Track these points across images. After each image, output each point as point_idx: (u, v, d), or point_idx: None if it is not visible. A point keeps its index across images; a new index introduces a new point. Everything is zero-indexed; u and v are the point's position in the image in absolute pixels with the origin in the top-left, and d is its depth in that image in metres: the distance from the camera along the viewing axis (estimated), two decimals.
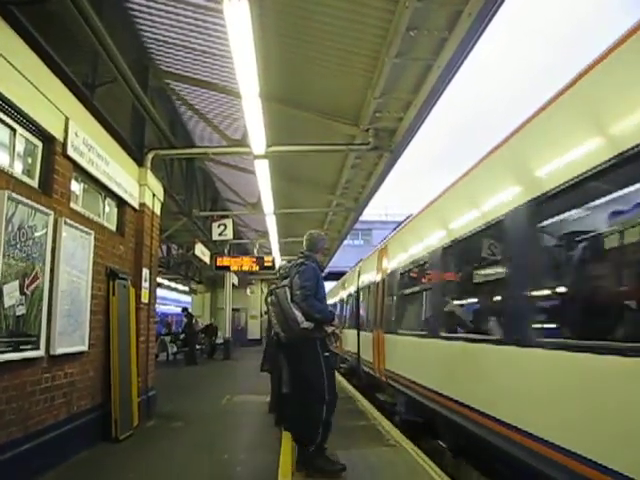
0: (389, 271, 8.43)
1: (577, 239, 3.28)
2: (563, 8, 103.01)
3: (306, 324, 4.53)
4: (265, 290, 29.26)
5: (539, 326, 3.56)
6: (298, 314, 4.52)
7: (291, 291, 4.66)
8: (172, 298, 34.84)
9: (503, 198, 4.05)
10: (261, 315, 25.66)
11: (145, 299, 7.58)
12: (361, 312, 11.72)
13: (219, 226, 13.82)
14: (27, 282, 4.34)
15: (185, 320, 19.58)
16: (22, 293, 4.26)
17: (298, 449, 4.78)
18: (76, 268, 5.35)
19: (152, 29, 6.94)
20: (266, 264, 17.36)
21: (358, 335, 11.38)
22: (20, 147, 4.55)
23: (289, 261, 5.27)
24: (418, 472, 4.72)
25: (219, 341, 20.92)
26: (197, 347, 19.12)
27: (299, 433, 4.73)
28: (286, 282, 4.77)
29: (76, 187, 5.63)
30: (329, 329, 4.73)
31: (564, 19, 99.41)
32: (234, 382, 12.29)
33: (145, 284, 7.60)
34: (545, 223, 3.51)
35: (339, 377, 11.35)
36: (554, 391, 3.26)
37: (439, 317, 5.70)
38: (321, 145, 8.83)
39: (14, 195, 4.12)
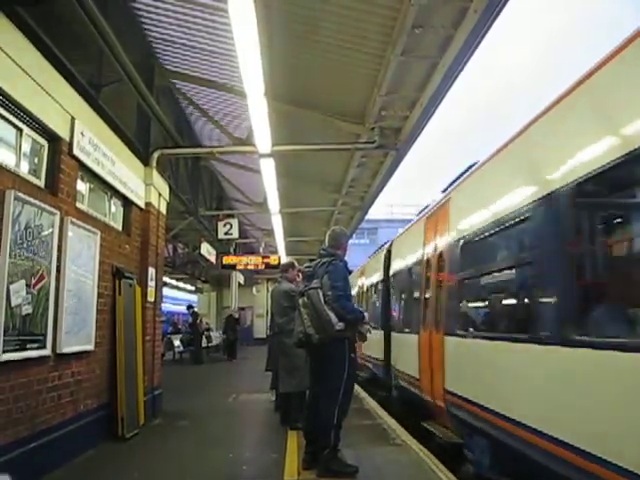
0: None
1: None
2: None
3: (339, 325, 4.49)
4: (271, 289, 29.28)
5: None
6: (332, 316, 4.46)
7: (322, 291, 4.58)
8: (173, 297, 34.86)
9: None
10: (266, 314, 25.65)
11: (151, 298, 7.60)
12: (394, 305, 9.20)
13: (225, 225, 13.85)
14: (33, 281, 4.36)
15: (191, 318, 19.45)
16: (28, 292, 4.28)
17: (306, 449, 4.77)
18: (82, 267, 5.36)
19: (158, 29, 6.96)
20: (272, 263, 17.38)
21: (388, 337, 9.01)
22: (26, 147, 4.57)
23: (311, 259, 5.21)
24: (424, 471, 4.70)
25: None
26: (205, 345, 19.04)
27: (315, 434, 4.69)
28: (316, 283, 4.66)
29: (82, 186, 5.65)
30: (364, 328, 4.71)
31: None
32: (240, 381, 12.31)
33: (151, 283, 7.61)
34: None
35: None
36: None
37: None
38: (326, 144, 8.81)
39: (20, 195, 4.13)
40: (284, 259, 18.83)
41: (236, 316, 19.94)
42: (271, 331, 7.39)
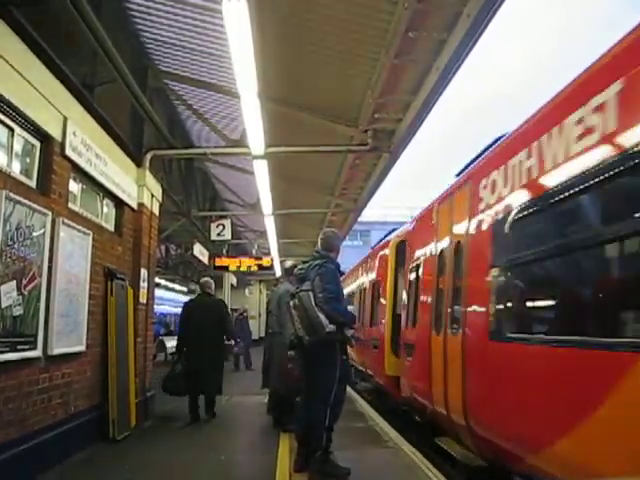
0: None
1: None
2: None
3: (330, 327, 4.50)
4: (264, 291, 29.25)
5: None
6: (323, 318, 4.46)
7: (313, 294, 4.60)
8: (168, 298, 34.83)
9: None
10: (260, 315, 25.58)
11: (143, 299, 7.57)
12: None
13: (218, 226, 13.81)
14: (25, 282, 4.33)
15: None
16: (20, 293, 4.25)
17: (298, 451, 4.77)
18: (74, 268, 5.33)
19: (151, 29, 6.93)
20: (264, 264, 17.34)
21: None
22: (18, 147, 4.54)
23: (304, 262, 5.23)
24: (416, 474, 4.71)
25: None
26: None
27: (307, 437, 4.69)
28: (307, 285, 4.68)
29: (74, 187, 5.62)
30: (349, 332, 4.71)
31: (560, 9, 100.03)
32: (232, 382, 12.25)
33: (143, 284, 7.58)
34: None
35: None
36: None
37: None
38: (320, 146, 8.81)
39: (12, 195, 4.11)
40: (277, 261, 18.83)
41: (244, 314, 17.51)
42: (267, 333, 7.43)
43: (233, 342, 8.53)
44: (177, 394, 7.31)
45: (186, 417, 7.32)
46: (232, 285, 21.21)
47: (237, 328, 16.57)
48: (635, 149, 2.67)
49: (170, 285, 29.08)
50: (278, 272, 18.62)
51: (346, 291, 13.95)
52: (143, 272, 7.57)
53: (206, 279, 8.06)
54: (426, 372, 5.64)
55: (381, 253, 9.86)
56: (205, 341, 7.25)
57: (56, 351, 4.90)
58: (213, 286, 7.90)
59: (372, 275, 10.65)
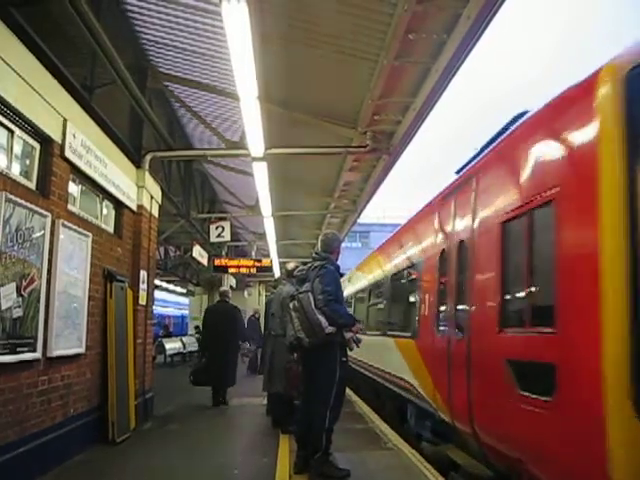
0: None
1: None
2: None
3: (330, 329, 4.50)
4: (263, 292, 29.21)
5: None
6: (322, 319, 4.48)
7: (313, 295, 4.61)
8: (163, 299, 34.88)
9: None
10: (259, 317, 25.49)
11: (142, 301, 7.56)
12: None
13: (217, 228, 13.80)
14: (24, 284, 4.33)
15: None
16: (19, 295, 4.25)
17: (297, 453, 4.77)
18: (73, 270, 5.33)
19: (150, 31, 6.93)
20: (264, 266, 17.33)
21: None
22: (18, 149, 4.54)
23: (304, 263, 5.24)
24: (416, 475, 4.71)
25: None
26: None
27: (307, 438, 4.69)
28: (307, 287, 4.70)
29: (74, 189, 5.62)
30: (347, 335, 4.71)
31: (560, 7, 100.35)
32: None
33: (143, 286, 7.58)
34: None
35: None
36: None
37: None
38: (319, 147, 8.82)
39: (11, 197, 4.10)
40: (276, 262, 18.82)
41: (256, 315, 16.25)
42: (265, 333, 7.42)
43: (247, 343, 10.15)
44: (203, 384, 8.91)
45: (185, 418, 7.32)
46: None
47: (249, 327, 16.39)
48: None
49: (164, 285, 29.03)
50: (277, 274, 18.61)
51: (393, 264, 8.40)
52: (142, 274, 7.57)
53: (225, 288, 10.31)
54: None
55: (568, 136, 3.30)
56: (220, 341, 8.69)
57: (55, 353, 4.89)
58: (230, 294, 9.73)
59: (506, 201, 3.99)
